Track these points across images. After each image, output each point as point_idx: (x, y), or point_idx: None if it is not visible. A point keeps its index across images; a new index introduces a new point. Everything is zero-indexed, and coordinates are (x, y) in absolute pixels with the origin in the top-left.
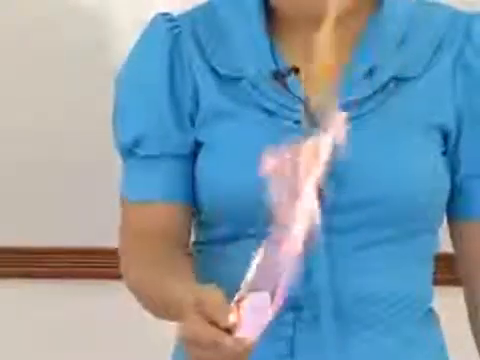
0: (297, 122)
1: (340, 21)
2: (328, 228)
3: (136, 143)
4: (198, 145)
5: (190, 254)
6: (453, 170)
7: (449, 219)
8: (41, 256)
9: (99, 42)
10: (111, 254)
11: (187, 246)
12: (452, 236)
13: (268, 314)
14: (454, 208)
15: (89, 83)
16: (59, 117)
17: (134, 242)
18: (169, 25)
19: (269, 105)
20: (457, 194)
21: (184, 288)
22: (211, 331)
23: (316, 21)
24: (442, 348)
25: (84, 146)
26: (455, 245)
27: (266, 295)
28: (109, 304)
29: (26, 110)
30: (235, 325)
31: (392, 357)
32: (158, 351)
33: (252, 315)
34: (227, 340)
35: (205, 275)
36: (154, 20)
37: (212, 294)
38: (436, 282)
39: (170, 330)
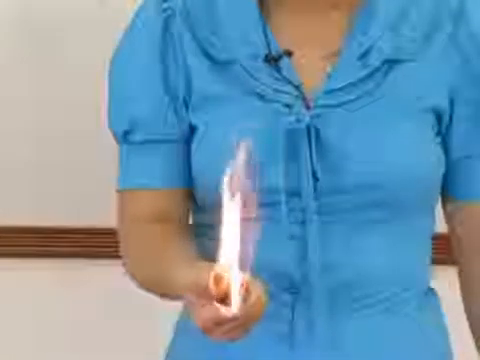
0: (288, 106)
1: (333, 5)
2: (322, 211)
3: (131, 129)
4: (192, 129)
5: (190, 236)
6: (446, 151)
7: (442, 200)
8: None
9: None
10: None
11: (187, 230)
12: (445, 216)
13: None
14: (447, 189)
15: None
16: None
17: (132, 228)
18: (160, 7)
19: (261, 89)
20: (450, 175)
21: (182, 278)
22: (218, 308)
23: (309, 4)
24: (443, 328)
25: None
26: (448, 225)
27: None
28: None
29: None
30: (226, 297)
31: (390, 338)
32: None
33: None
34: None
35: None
36: (145, 3)
37: (203, 273)
38: (433, 262)
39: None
